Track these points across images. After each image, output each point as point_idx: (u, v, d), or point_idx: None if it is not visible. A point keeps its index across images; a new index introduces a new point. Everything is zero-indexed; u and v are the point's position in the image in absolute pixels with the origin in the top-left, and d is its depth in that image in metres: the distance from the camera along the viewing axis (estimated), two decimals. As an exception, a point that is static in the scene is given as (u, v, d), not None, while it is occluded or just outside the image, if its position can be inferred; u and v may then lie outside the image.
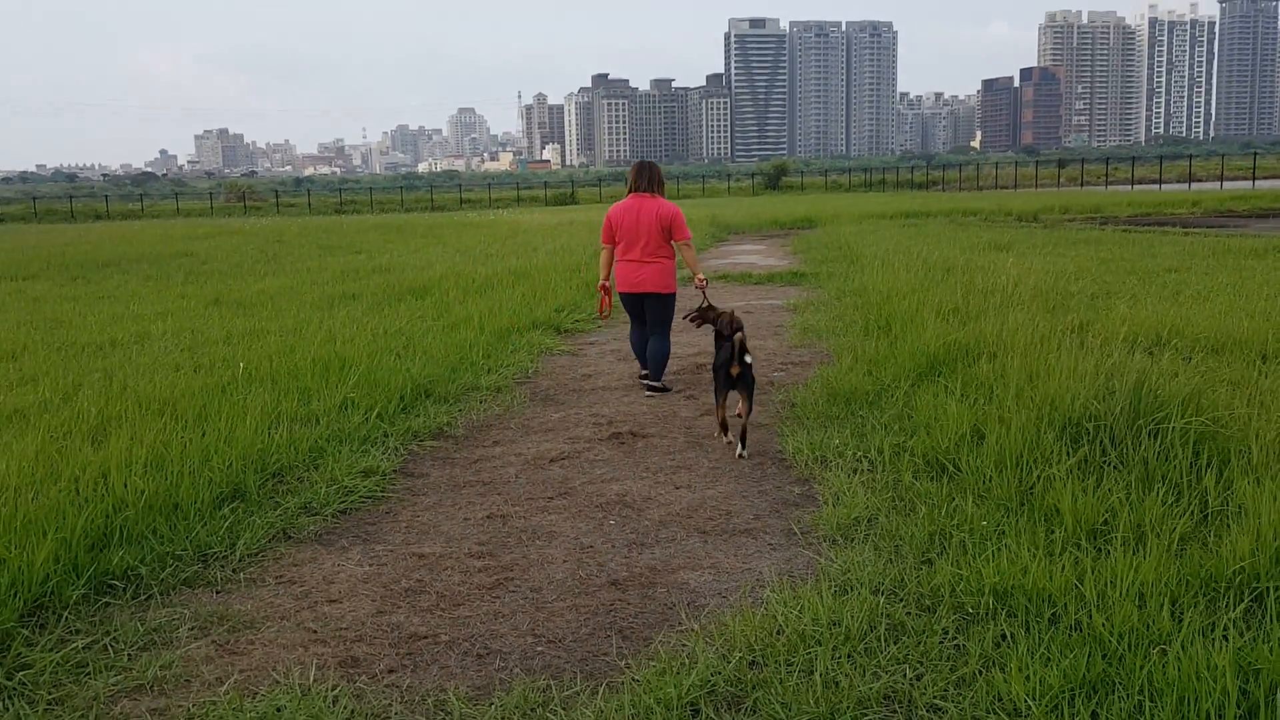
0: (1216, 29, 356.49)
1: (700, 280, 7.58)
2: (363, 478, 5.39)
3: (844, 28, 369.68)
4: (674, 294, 7.82)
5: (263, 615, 3.84)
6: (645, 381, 7.77)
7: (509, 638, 3.61)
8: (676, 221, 7.60)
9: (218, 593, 4.06)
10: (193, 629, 3.72)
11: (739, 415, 6.01)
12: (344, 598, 3.99)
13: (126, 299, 13.39)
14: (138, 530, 4.42)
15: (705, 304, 7.00)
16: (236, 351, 8.35)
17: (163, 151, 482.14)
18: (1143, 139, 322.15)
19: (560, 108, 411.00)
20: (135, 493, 4.65)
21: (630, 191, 7.74)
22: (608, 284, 8.02)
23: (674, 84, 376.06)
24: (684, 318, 7.32)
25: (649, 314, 7.83)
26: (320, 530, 4.74)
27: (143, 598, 3.97)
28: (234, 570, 4.26)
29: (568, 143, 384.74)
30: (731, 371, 6.07)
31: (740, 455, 5.83)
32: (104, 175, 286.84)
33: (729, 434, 6.22)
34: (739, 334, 6.14)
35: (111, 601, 3.92)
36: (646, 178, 7.72)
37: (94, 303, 13.06)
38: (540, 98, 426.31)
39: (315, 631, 3.69)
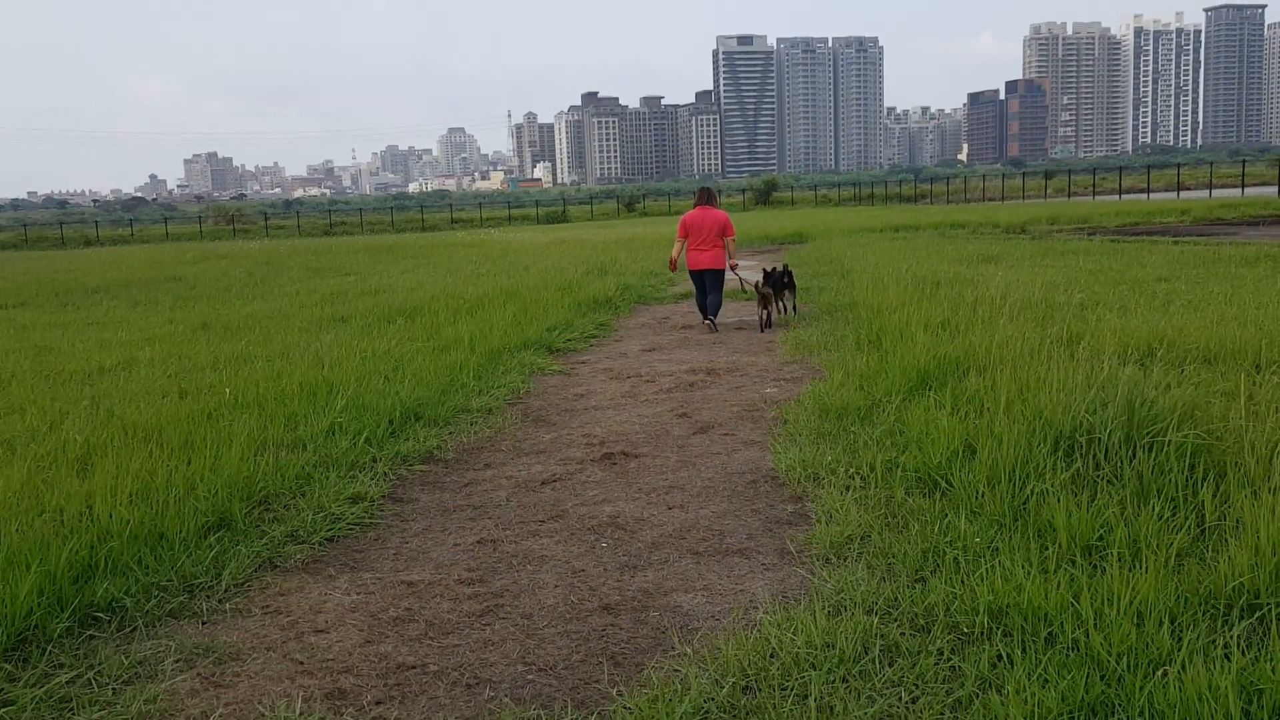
0: (1202, 38, 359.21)
1: (734, 264, 12.26)
2: (350, 504, 5.33)
3: (830, 44, 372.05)
4: (724, 269, 12.21)
5: (249, 647, 3.78)
6: (709, 322, 12.10)
7: (499, 666, 3.56)
8: (727, 225, 12.21)
9: (203, 624, 4.00)
10: (178, 662, 3.65)
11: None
12: (331, 627, 3.93)
13: (115, 325, 13.32)
14: (123, 561, 4.35)
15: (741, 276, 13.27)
16: (223, 377, 8.29)
17: (153, 176, 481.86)
18: (1130, 149, 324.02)
19: (551, 126, 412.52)
20: (120, 523, 4.59)
21: (696, 205, 12.44)
22: (676, 261, 12.70)
23: (664, 101, 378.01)
24: (744, 283, 13.37)
25: (708, 281, 12.17)
26: (307, 559, 4.68)
27: (127, 630, 3.91)
28: (220, 601, 4.20)
29: (559, 161, 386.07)
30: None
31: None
32: (94, 201, 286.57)
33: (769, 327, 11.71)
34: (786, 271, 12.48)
35: (96, 634, 3.86)
36: (707, 196, 12.60)
37: (82, 329, 12.99)
38: (530, 116, 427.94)
39: (302, 663, 3.63)
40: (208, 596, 4.23)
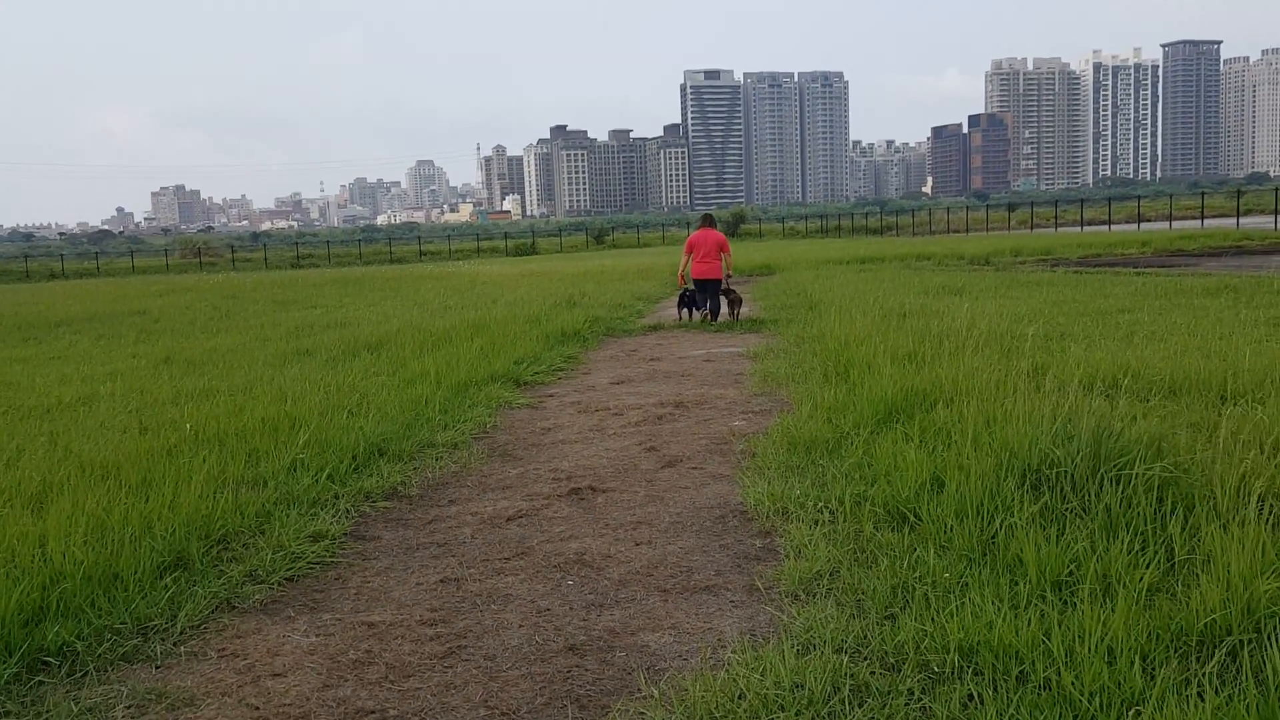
0: (1160, 72, 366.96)
1: (729, 277, 16.39)
2: (311, 542, 5.22)
3: (796, 78, 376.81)
4: (721, 278, 16.04)
5: (203, 691, 3.67)
6: (712, 323, 15.78)
7: (460, 710, 3.47)
8: (724, 243, 16.04)
9: (157, 668, 3.88)
10: (129, 708, 3.54)
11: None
12: (289, 671, 3.82)
13: (77, 359, 13.11)
14: (75, 603, 4.23)
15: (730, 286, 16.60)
16: (185, 412, 8.15)
17: (120, 209, 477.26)
18: (1091, 181, 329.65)
19: (520, 159, 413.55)
20: (74, 563, 4.46)
21: (700, 228, 16.35)
22: (684, 274, 16.29)
23: (632, 134, 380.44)
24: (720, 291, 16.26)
25: (709, 290, 16.12)
26: (266, 599, 4.57)
27: (78, 675, 3.79)
28: (174, 644, 4.08)
29: (528, 193, 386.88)
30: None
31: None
32: (61, 234, 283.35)
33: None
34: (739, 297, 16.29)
35: (45, 680, 3.73)
36: (709, 221, 16.67)
37: (44, 364, 12.77)
38: (499, 149, 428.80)
39: (258, 708, 3.52)
40: (162, 639, 4.11)
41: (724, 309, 16.40)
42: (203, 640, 4.13)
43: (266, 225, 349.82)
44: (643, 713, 3.34)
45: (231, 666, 3.88)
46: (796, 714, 3.17)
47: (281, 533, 5.28)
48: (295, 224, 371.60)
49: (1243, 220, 45.86)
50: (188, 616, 4.27)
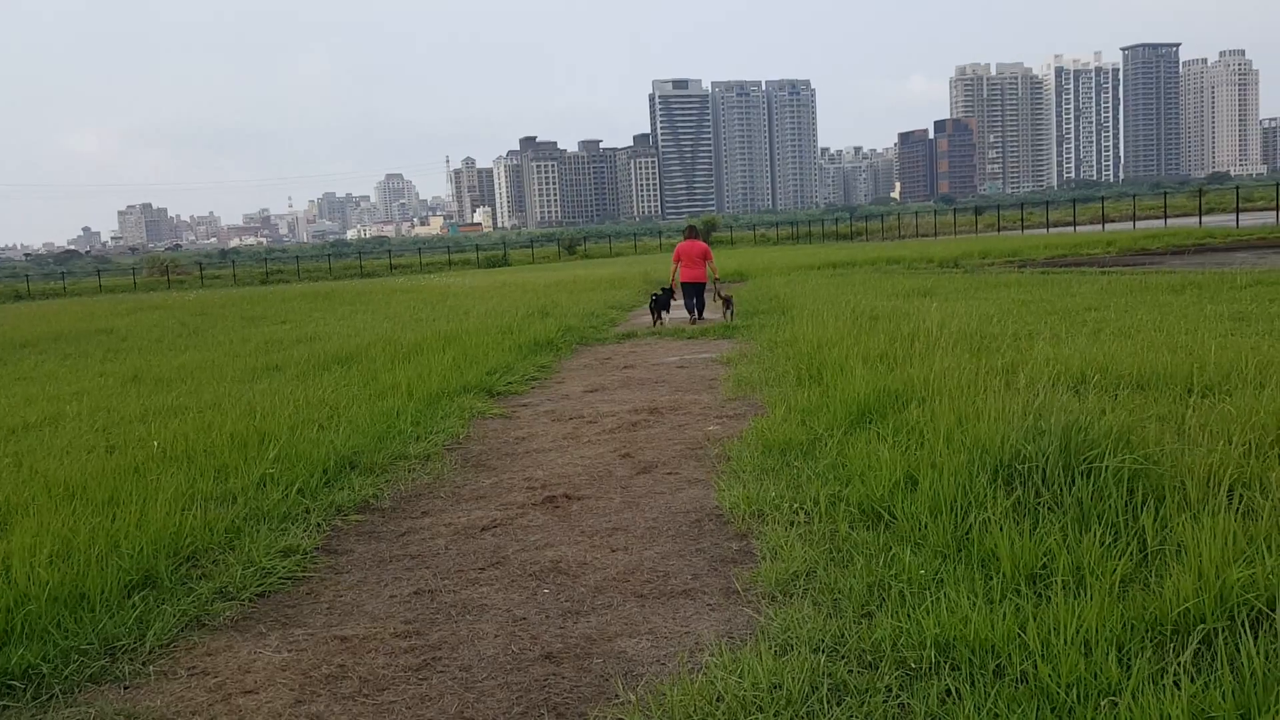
0: (1121, 75, 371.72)
1: (717, 281, 17.71)
2: (282, 557, 5.16)
3: (764, 86, 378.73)
4: (705, 283, 17.36)
5: (173, 711, 3.60)
6: (699, 323, 16.72)
7: (437, 722, 3.42)
8: (708, 252, 17.44)
9: (125, 688, 3.81)
10: (96, 731, 3.47)
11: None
12: (260, 688, 3.76)
13: (43, 380, 12.93)
14: (40, 625, 4.15)
15: (718, 289, 17.71)
16: (152, 430, 8.04)
17: (86, 229, 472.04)
18: (1055, 184, 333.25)
19: (490, 171, 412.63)
20: (39, 584, 4.38)
21: (686, 238, 17.76)
22: (675, 280, 17.43)
23: (602, 144, 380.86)
24: (710, 293, 17.70)
25: (695, 293, 17.29)
26: (236, 616, 4.50)
27: (44, 698, 3.71)
28: (143, 663, 4.01)
29: (499, 205, 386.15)
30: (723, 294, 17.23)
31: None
32: (26, 255, 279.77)
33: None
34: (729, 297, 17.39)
35: (10, 704, 3.65)
36: (693, 232, 18.13)
37: (9, 385, 12.57)
38: (469, 161, 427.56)
39: (229, 727, 3.46)
40: (131, 659, 4.04)
41: (713, 308, 17.86)
42: (172, 659, 4.06)
43: (235, 242, 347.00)
44: (620, 719, 3.31)
45: (202, 685, 3.82)
46: (775, 715, 3.15)
47: (252, 548, 5.21)
48: (264, 240, 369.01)
49: (1205, 219, 46.42)
50: (156, 635, 4.20)
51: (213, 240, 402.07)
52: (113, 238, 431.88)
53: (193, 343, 17.17)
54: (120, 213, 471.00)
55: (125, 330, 20.94)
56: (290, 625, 4.40)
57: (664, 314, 17.57)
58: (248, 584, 4.79)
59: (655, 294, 17.83)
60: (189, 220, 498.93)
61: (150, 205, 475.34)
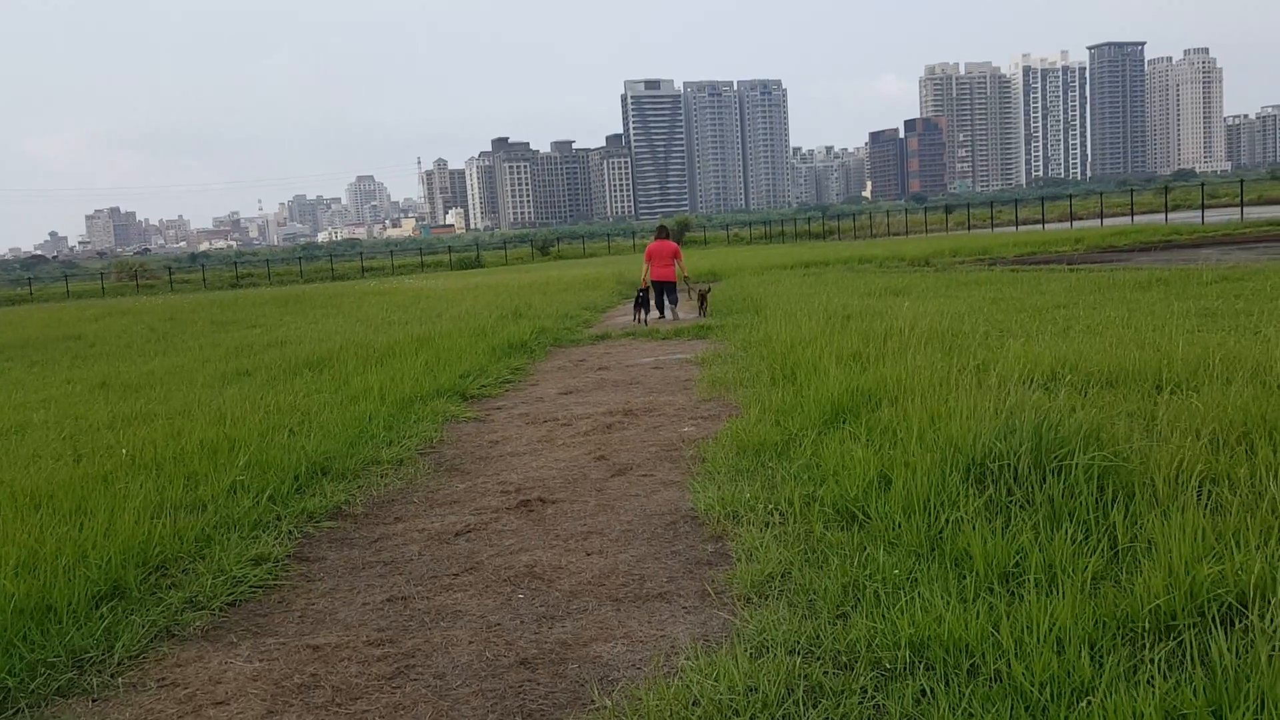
0: (1087, 74, 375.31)
1: (687, 279, 19.04)
2: (253, 566, 5.10)
3: (735, 87, 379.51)
4: (675, 281, 18.34)
5: (142, 725, 3.55)
6: (672, 323, 17.05)
7: (411, 731, 3.39)
8: (678, 251, 18.51)
9: (94, 701, 3.75)
10: (63, 746, 3.41)
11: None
12: (231, 699, 3.72)
13: (8, 387, 12.74)
14: (5, 638, 4.08)
15: (692, 286, 18.97)
16: (121, 437, 7.94)
17: (53, 233, 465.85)
18: (1024, 182, 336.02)
19: (462, 172, 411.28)
20: (4, 596, 4.31)
21: (656, 239, 18.79)
22: (647, 280, 18.05)
23: (575, 145, 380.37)
24: (683, 288, 18.94)
25: (666, 291, 18.20)
26: (207, 626, 4.44)
27: (10, 713, 3.65)
28: (112, 675, 3.95)
29: (471, 206, 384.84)
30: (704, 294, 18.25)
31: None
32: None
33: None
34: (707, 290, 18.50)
35: (-27, 721, 3.59)
36: (664, 233, 19.21)
37: (-30, 393, 12.37)
38: (441, 163, 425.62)
39: (199, 739, 3.41)
40: (99, 671, 3.98)
41: (689, 305, 18.79)
42: (141, 670, 4.01)
43: (205, 246, 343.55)
44: (596, 724, 3.30)
45: (171, 696, 3.77)
46: (751, 718, 3.15)
47: (222, 557, 5.15)
48: (234, 244, 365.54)
49: (1171, 216, 46.98)
50: (125, 647, 4.14)
51: (182, 244, 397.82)
52: (80, 242, 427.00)
53: (161, 348, 16.98)
54: (88, 217, 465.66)
55: (93, 336, 20.69)
56: (262, 634, 4.35)
57: (644, 312, 17.90)
58: (218, 593, 4.74)
59: (639, 293, 18.15)
60: (158, 224, 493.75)
61: (118, 209, 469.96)
